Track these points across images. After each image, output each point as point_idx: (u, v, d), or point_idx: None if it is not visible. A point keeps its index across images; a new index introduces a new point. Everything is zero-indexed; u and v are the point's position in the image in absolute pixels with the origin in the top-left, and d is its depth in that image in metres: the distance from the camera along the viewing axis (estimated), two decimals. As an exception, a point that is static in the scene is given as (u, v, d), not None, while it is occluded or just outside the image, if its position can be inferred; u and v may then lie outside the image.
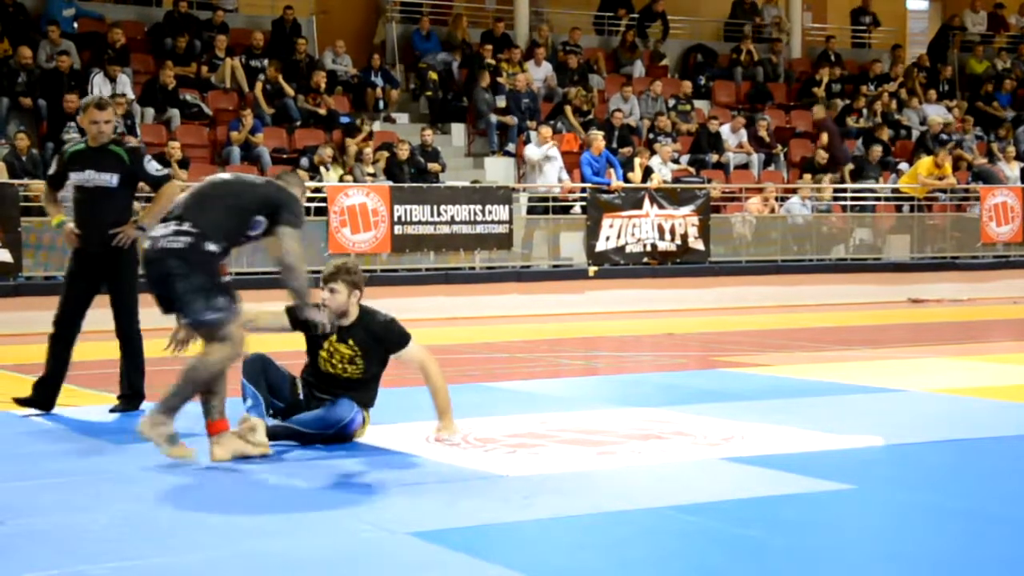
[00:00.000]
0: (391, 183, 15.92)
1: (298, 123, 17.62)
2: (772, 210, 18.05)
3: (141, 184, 7.50)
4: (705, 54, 22.43)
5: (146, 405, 7.67)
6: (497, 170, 18.17)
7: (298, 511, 5.02)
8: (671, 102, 20.21)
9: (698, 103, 20.84)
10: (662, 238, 16.78)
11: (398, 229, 15.41)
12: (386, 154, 16.71)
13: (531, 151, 17.21)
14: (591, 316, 15.49)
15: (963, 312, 16.24)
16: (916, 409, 7.72)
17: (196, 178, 15.32)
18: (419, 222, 15.56)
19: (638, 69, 21.30)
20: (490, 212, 15.89)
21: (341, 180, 15.85)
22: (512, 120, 18.53)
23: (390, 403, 6.77)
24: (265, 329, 6.37)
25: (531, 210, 17.13)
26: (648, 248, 16.72)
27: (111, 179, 7.38)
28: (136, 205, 7.86)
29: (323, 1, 21.20)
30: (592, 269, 16.42)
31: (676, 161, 18.54)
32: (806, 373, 9.51)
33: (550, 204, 17.06)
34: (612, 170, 17.00)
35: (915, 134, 21.38)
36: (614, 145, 18.10)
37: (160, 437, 5.80)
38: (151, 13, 19.28)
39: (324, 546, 4.48)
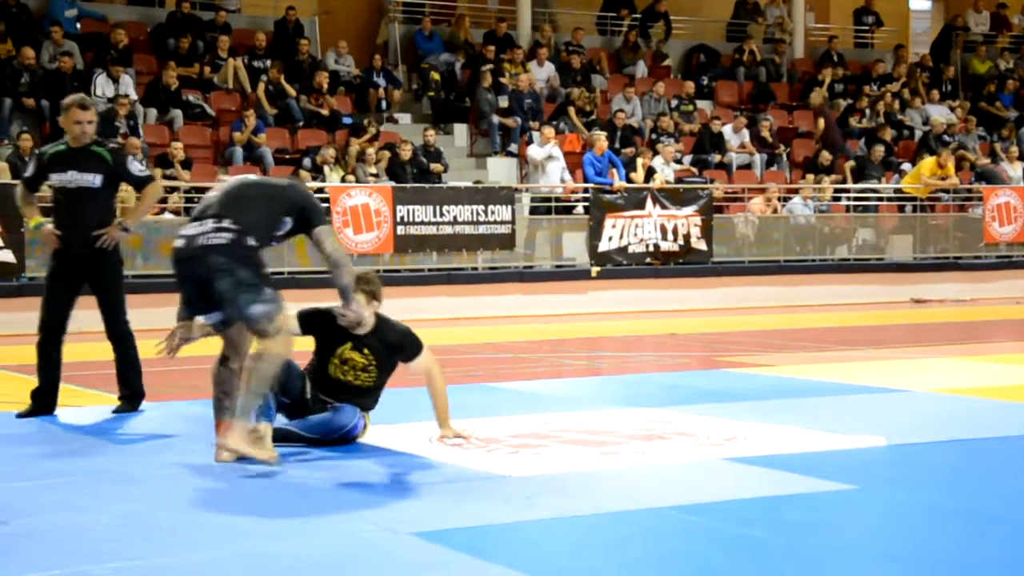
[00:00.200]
0: (394, 184, 15.92)
1: (301, 123, 17.63)
2: (775, 210, 18.05)
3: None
4: (708, 54, 22.43)
5: (147, 405, 7.68)
6: (500, 170, 18.17)
7: (300, 511, 5.01)
8: (674, 102, 20.21)
9: (700, 103, 20.84)
10: (665, 238, 16.77)
11: (401, 229, 15.40)
12: (387, 154, 16.71)
13: (534, 151, 17.21)
14: (594, 316, 15.49)
15: (966, 312, 16.23)
16: (919, 409, 7.72)
17: (199, 179, 15.54)
18: (422, 222, 15.55)
19: (641, 69, 21.30)
20: (493, 212, 15.89)
21: (343, 180, 15.85)
22: (515, 121, 18.53)
23: (391, 403, 6.76)
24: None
25: (534, 210, 17.13)
26: (651, 248, 16.72)
27: (94, 179, 7.34)
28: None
29: (325, 2, 21.21)
30: (595, 269, 16.41)
31: (679, 161, 18.54)
32: (809, 373, 9.51)
33: (553, 204, 17.06)
34: (615, 170, 16.99)
35: (918, 134, 21.37)
36: (617, 145, 18.10)
37: (249, 445, 5.73)
38: (154, 14, 19.29)
39: (326, 546, 4.48)
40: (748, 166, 19.47)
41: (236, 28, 19.12)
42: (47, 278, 7.56)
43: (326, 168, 16.04)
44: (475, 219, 15.81)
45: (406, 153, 16.68)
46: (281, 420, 6.33)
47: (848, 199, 19.06)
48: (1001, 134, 21.77)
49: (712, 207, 17.17)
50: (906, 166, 19.89)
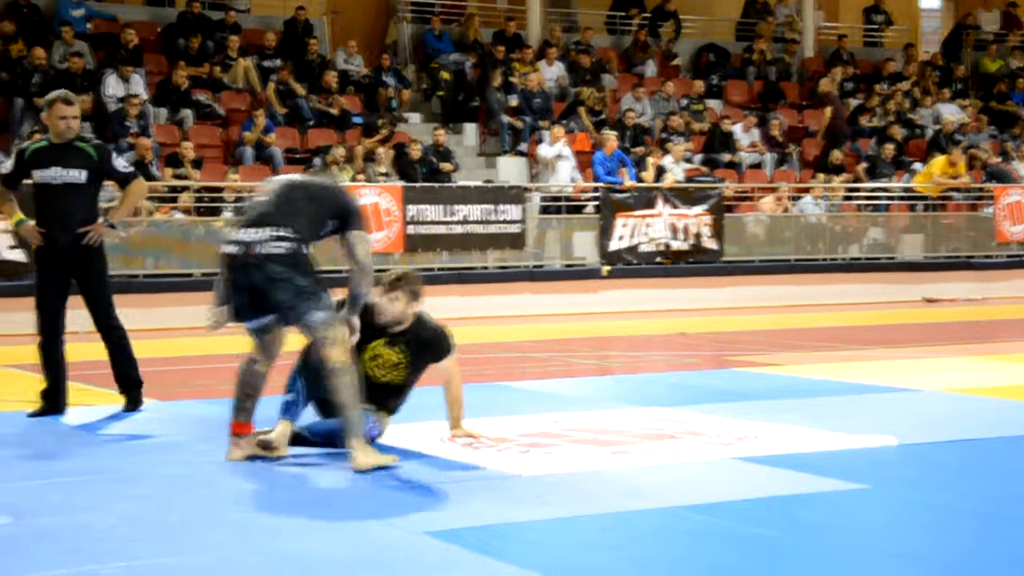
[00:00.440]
0: (404, 183, 15.93)
1: (311, 123, 17.64)
2: (785, 209, 18.02)
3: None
4: (717, 53, 22.40)
5: (158, 404, 7.68)
6: (510, 170, 18.17)
7: (312, 511, 5.01)
8: (683, 101, 20.19)
9: (710, 102, 20.82)
10: (675, 238, 16.76)
11: (411, 229, 15.41)
12: (392, 152, 16.72)
13: (544, 150, 17.22)
14: (604, 316, 15.48)
15: (977, 312, 16.19)
16: (930, 409, 7.70)
17: (209, 178, 15.56)
18: (432, 222, 15.56)
19: (650, 69, 21.28)
20: (503, 212, 15.89)
21: (353, 180, 15.86)
22: (524, 120, 18.52)
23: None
24: None
25: (544, 210, 17.12)
26: (661, 248, 16.70)
27: (79, 175, 7.30)
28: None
29: (335, 1, 21.22)
30: (605, 269, 16.40)
31: (689, 160, 18.52)
32: (819, 373, 9.49)
33: (563, 204, 17.06)
34: (625, 170, 16.99)
35: (929, 133, 21.32)
36: (626, 145, 18.09)
37: (375, 458, 5.71)
38: (164, 14, 19.33)
39: (338, 545, 4.47)
40: (758, 165, 19.44)
41: (246, 28, 19.15)
42: (38, 278, 7.49)
43: (335, 168, 16.05)
44: (485, 219, 15.81)
45: (416, 153, 16.69)
46: (309, 416, 6.26)
47: (859, 198, 19.01)
48: (1012, 133, 21.72)
49: (722, 206, 17.15)
50: (917, 165, 19.85)
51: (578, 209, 17.14)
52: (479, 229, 15.80)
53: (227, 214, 15.18)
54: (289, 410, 6.05)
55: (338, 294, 6.07)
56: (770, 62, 21.99)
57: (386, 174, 16.30)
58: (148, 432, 6.97)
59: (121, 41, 17.36)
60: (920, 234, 18.93)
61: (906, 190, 19.17)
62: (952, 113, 21.65)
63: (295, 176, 6.34)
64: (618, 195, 16.59)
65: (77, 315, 7.52)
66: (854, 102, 21.49)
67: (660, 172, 17.51)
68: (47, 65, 16.45)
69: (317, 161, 16.30)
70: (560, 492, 5.29)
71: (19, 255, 13.51)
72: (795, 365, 10.15)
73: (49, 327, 7.40)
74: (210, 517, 4.92)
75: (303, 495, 5.32)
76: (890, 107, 21.31)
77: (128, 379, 7.54)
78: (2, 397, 8.63)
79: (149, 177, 15.04)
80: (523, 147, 18.45)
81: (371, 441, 6.13)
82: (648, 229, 16.62)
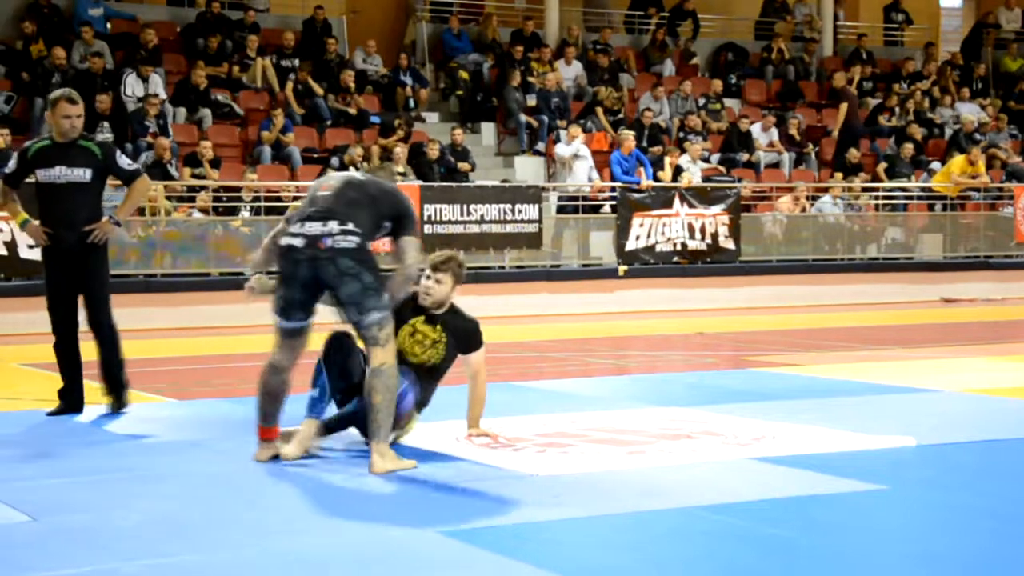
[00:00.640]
0: (421, 182, 15.95)
1: (329, 123, 17.68)
2: (803, 209, 17.98)
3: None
4: (736, 52, 22.36)
5: (178, 402, 7.70)
6: (527, 169, 18.18)
7: (329, 510, 5.03)
8: (701, 101, 20.16)
9: (728, 102, 20.79)
10: (692, 237, 16.74)
11: (428, 228, 15.42)
12: (405, 149, 16.75)
13: (561, 149, 17.22)
14: (621, 315, 15.47)
15: (996, 312, 16.13)
16: (949, 409, 7.67)
17: (227, 178, 15.60)
18: (449, 221, 15.57)
19: (668, 68, 21.26)
20: (520, 211, 15.89)
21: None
22: (542, 120, 18.52)
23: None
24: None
25: (561, 209, 17.12)
26: (678, 247, 16.68)
27: (84, 174, 7.31)
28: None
29: (354, 1, 21.26)
30: (622, 268, 16.39)
31: (706, 160, 18.49)
32: (837, 373, 9.47)
33: (580, 203, 17.05)
34: (642, 169, 16.97)
35: (948, 132, 21.25)
36: (644, 144, 18.07)
37: (393, 463, 5.71)
38: (183, 14, 19.39)
39: (354, 544, 4.49)
40: (776, 165, 19.40)
41: (265, 28, 19.20)
42: (45, 280, 7.51)
43: (353, 167, 16.08)
44: (502, 218, 15.81)
45: (433, 152, 16.71)
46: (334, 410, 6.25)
47: (878, 198, 18.96)
48: (1032, 132, 21.64)
49: (740, 206, 17.12)
50: (936, 164, 19.79)
51: (595, 209, 17.14)
52: (496, 229, 15.81)
53: (244, 214, 15.23)
54: (315, 407, 6.07)
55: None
56: (789, 61, 21.94)
57: (403, 174, 16.32)
58: (169, 430, 7.00)
59: (140, 41, 17.43)
60: (939, 234, 18.87)
61: (925, 190, 19.11)
62: (972, 112, 21.57)
63: (355, 173, 6.27)
64: (635, 195, 16.58)
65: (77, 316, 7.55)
66: (873, 101, 21.44)
67: (677, 172, 17.49)
68: (67, 65, 16.52)
69: (335, 160, 16.29)
70: (577, 492, 5.29)
71: (38, 254, 13.55)
72: (813, 365, 10.12)
73: (62, 327, 7.44)
74: (230, 516, 4.94)
75: (322, 495, 5.33)
76: (909, 106, 21.25)
77: (114, 380, 7.50)
78: (20, 396, 8.68)
79: (168, 177, 15.11)
80: (540, 147, 18.45)
81: (394, 441, 6.11)
82: (665, 229, 16.61)
